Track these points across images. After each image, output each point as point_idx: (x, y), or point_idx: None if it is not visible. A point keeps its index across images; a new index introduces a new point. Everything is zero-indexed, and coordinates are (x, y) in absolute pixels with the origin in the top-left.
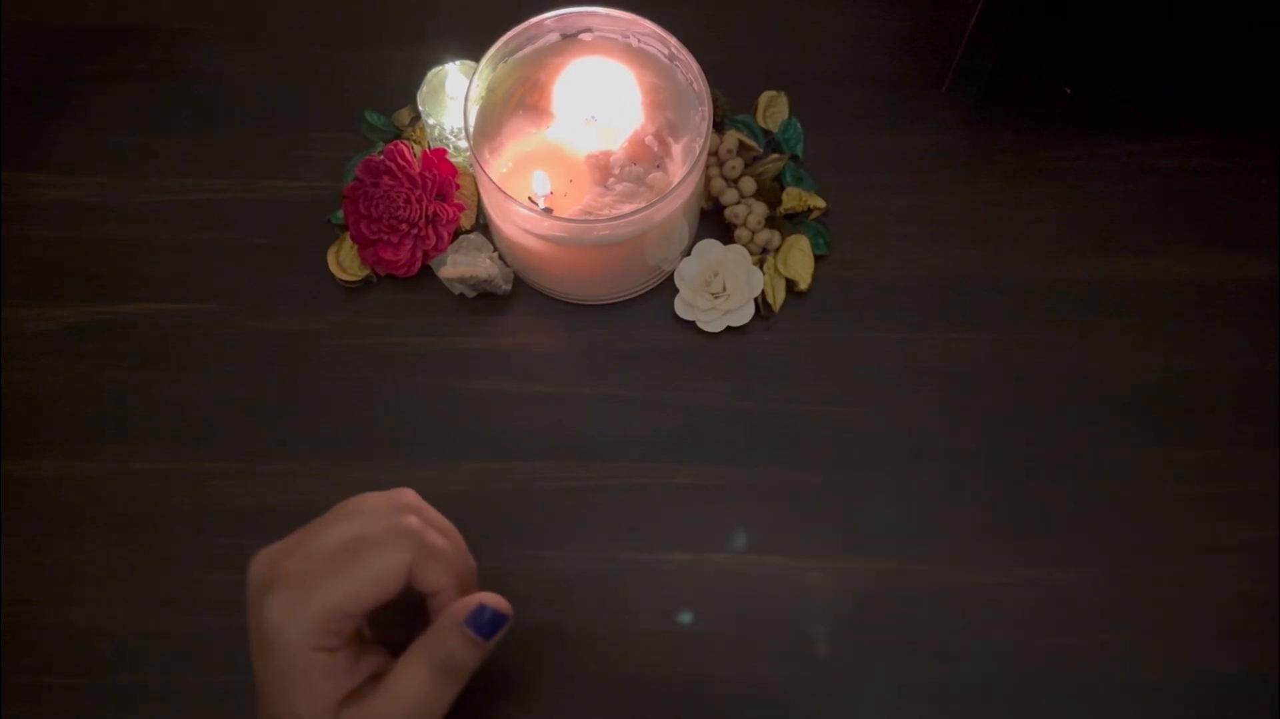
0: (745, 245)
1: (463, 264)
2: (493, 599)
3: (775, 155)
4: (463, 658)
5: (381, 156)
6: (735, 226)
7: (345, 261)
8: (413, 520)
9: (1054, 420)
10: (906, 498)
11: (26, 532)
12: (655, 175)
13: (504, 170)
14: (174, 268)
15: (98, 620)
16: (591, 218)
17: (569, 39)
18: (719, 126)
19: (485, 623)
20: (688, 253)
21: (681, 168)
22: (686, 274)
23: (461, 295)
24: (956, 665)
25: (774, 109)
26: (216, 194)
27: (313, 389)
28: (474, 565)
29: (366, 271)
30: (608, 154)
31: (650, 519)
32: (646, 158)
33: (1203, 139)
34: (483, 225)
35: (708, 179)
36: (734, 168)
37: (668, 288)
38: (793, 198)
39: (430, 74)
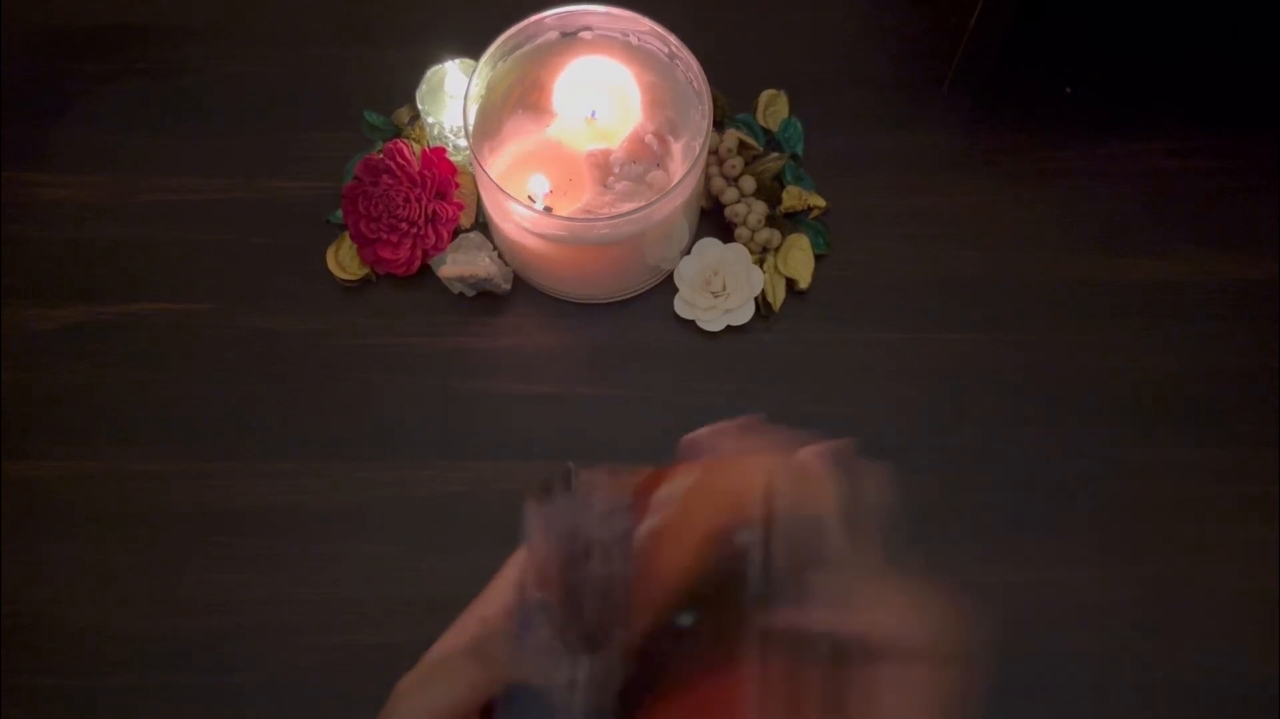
0: (745, 244)
1: (462, 263)
2: None
3: (775, 154)
4: None
5: (381, 156)
6: (735, 225)
7: (345, 261)
8: None
9: (1054, 420)
10: (905, 498)
11: (26, 532)
12: (655, 174)
13: (503, 169)
14: (174, 268)
15: (98, 620)
16: (591, 217)
17: (568, 37)
18: (719, 125)
19: None
20: (688, 252)
21: (681, 166)
22: (686, 273)
23: (461, 295)
24: None
25: (774, 108)
26: (216, 194)
27: (313, 389)
28: None
29: (366, 271)
30: (607, 152)
31: None
32: (646, 156)
33: (1203, 139)
34: (482, 224)
35: (708, 178)
36: (734, 166)
37: (668, 287)
38: (793, 197)
39: (430, 73)
